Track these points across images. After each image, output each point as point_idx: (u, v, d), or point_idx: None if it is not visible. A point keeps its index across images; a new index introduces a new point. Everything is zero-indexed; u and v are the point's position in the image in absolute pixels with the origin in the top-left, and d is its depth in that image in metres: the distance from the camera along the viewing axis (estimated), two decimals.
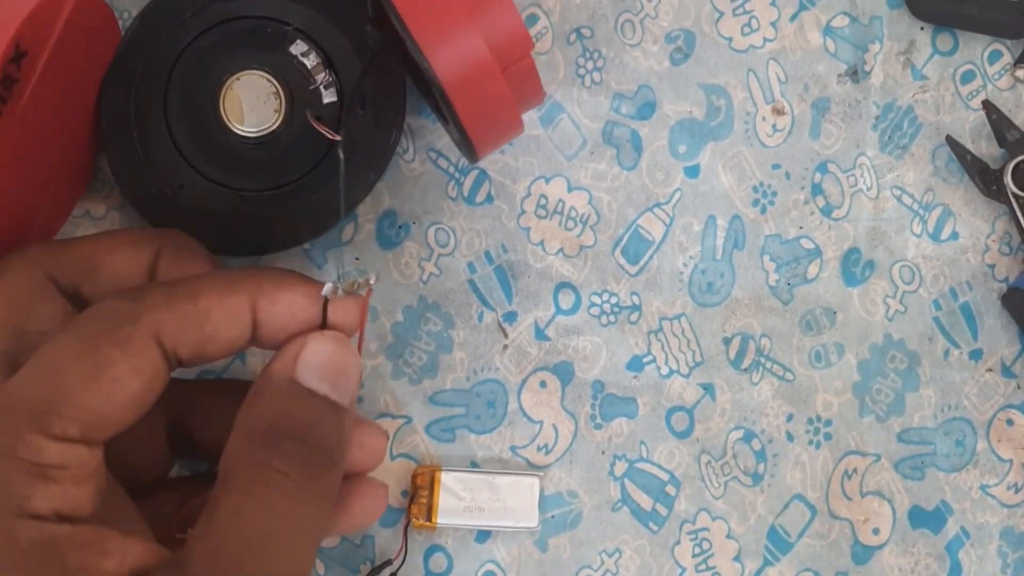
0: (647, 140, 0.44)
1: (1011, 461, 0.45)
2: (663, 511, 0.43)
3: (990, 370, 0.45)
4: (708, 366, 0.44)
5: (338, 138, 0.37)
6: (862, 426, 0.44)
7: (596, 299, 0.43)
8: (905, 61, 0.45)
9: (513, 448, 0.43)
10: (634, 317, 0.43)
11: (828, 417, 0.44)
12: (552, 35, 0.44)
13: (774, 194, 0.44)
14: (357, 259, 0.42)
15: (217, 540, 0.28)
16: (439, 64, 0.33)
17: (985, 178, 0.44)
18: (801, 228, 0.44)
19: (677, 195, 0.44)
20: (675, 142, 0.44)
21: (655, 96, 0.44)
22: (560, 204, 0.43)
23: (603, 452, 0.43)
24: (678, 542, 0.43)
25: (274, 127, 0.38)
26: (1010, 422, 0.45)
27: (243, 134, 0.38)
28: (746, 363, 0.44)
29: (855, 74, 0.45)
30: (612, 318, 0.43)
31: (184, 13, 0.39)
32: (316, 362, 0.31)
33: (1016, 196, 0.44)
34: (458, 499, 0.41)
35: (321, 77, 0.39)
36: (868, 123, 0.45)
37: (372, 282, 0.34)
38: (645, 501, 0.43)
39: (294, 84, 0.39)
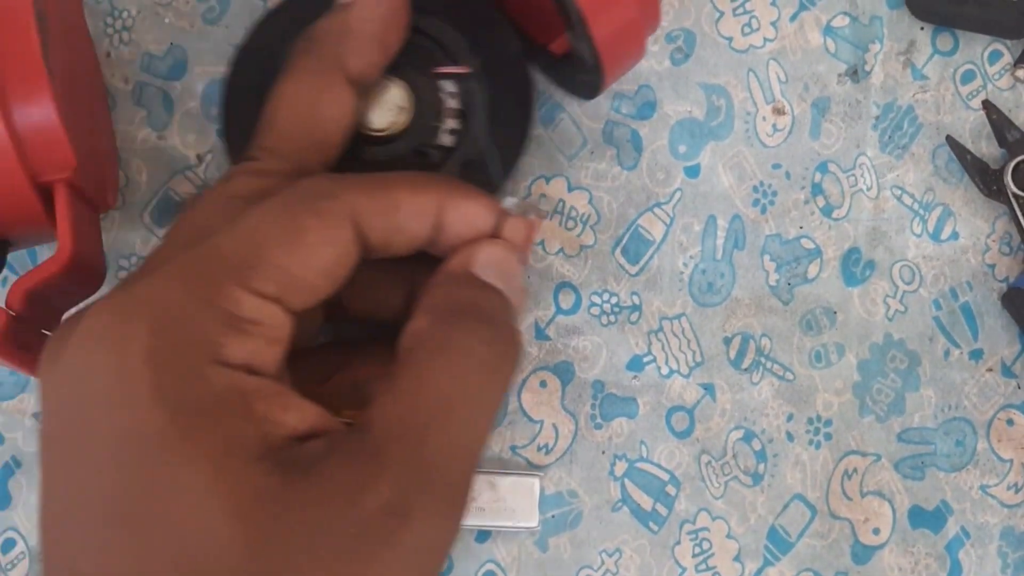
0: (647, 140, 0.44)
1: (1011, 461, 0.45)
2: (663, 511, 0.43)
3: (990, 370, 0.45)
4: (708, 366, 0.44)
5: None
6: (862, 426, 0.44)
7: (596, 299, 0.43)
8: (905, 61, 0.45)
9: (513, 448, 0.43)
10: (634, 317, 0.43)
11: (828, 417, 0.44)
12: None
13: (774, 194, 0.44)
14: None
15: (400, 407, 0.29)
16: None
17: (985, 178, 0.44)
18: (801, 228, 0.44)
19: (677, 195, 0.44)
20: (675, 142, 0.44)
21: (655, 96, 0.44)
22: (560, 204, 0.43)
23: (603, 452, 0.43)
24: (678, 542, 0.43)
25: (393, 132, 0.38)
26: (1010, 422, 0.45)
27: (367, 130, 0.38)
28: (746, 363, 0.44)
29: (855, 74, 0.45)
30: (612, 318, 0.43)
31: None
32: (491, 260, 0.33)
33: (1016, 196, 0.44)
34: None
35: (449, 123, 0.39)
36: (868, 123, 0.45)
37: (546, 210, 0.37)
38: (645, 501, 0.43)
39: (425, 108, 0.39)
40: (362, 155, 0.38)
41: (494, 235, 0.34)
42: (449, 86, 0.39)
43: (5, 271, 0.36)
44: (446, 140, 0.39)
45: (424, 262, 0.35)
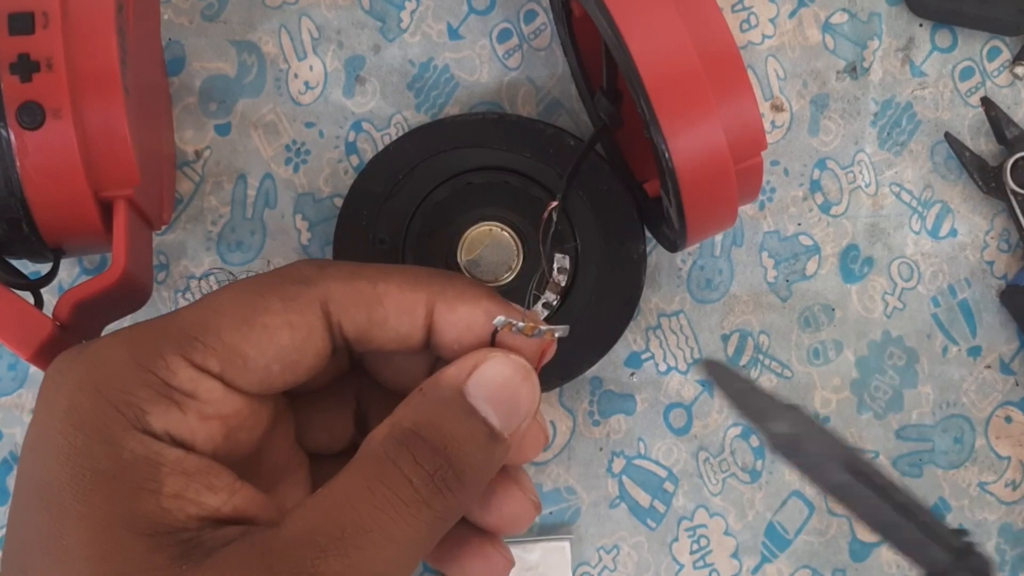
0: None
1: (1009, 458, 0.45)
2: (661, 508, 0.43)
3: (988, 367, 0.45)
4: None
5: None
6: (860, 423, 0.44)
7: None
8: (904, 58, 0.45)
9: None
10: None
11: (826, 414, 0.44)
12: (551, 31, 0.44)
13: (773, 190, 0.44)
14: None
15: (315, 516, 0.28)
16: (677, 151, 0.32)
17: (984, 175, 0.44)
18: (800, 225, 0.44)
19: None
20: None
21: None
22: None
23: (601, 449, 0.43)
24: (676, 539, 0.43)
25: (505, 282, 0.39)
26: (1008, 419, 0.45)
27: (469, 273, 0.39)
28: (744, 360, 0.44)
29: (854, 71, 0.45)
30: None
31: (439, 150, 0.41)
32: (490, 382, 0.30)
33: (1015, 193, 0.44)
34: None
35: (550, 295, 0.39)
36: (867, 120, 0.45)
37: (558, 334, 0.32)
38: (643, 498, 0.43)
39: (531, 272, 0.39)
40: None
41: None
42: (563, 261, 0.38)
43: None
44: (540, 312, 0.38)
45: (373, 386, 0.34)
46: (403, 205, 0.40)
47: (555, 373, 0.40)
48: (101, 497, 0.27)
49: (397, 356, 0.34)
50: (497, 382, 0.30)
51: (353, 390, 0.35)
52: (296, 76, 0.43)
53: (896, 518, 0.34)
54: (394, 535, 0.28)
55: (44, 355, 0.33)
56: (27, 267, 0.38)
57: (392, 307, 0.31)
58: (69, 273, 0.42)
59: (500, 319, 0.31)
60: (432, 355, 0.33)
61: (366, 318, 0.31)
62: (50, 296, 0.35)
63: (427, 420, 0.29)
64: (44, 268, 0.35)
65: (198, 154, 0.43)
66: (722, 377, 0.34)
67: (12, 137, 0.32)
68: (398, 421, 0.29)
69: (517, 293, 0.40)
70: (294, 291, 0.30)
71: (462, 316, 0.31)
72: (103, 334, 0.36)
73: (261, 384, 0.30)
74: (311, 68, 0.43)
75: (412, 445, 0.29)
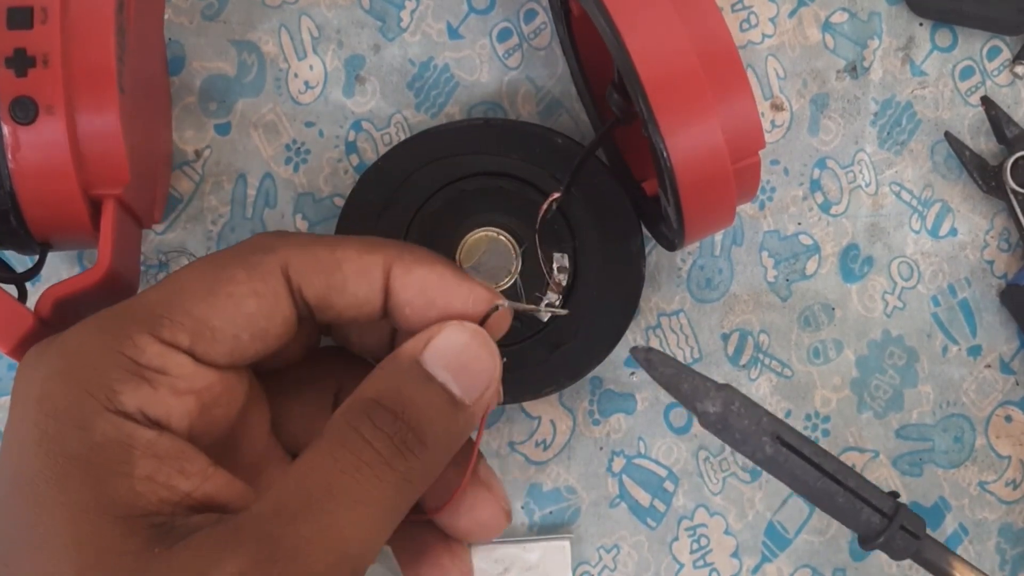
0: None
1: (1009, 457, 0.44)
2: (661, 507, 0.43)
3: (989, 366, 0.45)
4: (706, 362, 0.44)
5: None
6: (860, 422, 0.44)
7: None
8: (904, 57, 0.45)
9: (511, 444, 0.43)
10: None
11: (826, 413, 0.44)
12: (551, 30, 0.44)
13: (773, 190, 0.44)
14: None
15: (280, 492, 0.28)
16: (675, 149, 0.32)
17: (984, 174, 0.44)
18: (800, 224, 0.44)
19: None
20: None
21: None
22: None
23: (601, 448, 0.43)
24: (676, 538, 0.43)
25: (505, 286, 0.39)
26: (1008, 418, 0.45)
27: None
28: (744, 359, 0.44)
29: (854, 70, 0.45)
30: None
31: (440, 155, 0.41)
32: (445, 349, 0.30)
33: (1015, 192, 0.44)
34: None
35: (551, 296, 0.39)
36: (867, 119, 0.45)
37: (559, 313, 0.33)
38: (643, 497, 0.43)
39: (530, 276, 0.40)
40: None
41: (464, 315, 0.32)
42: (563, 261, 0.39)
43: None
44: (542, 313, 0.39)
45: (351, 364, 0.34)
46: (398, 217, 0.40)
47: (562, 373, 0.40)
48: (76, 483, 0.27)
49: (342, 296, 0.33)
50: (453, 349, 0.30)
51: (332, 383, 0.35)
52: (296, 76, 0.43)
53: (828, 485, 0.36)
54: (360, 497, 0.28)
55: (24, 349, 0.33)
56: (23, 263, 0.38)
57: (351, 271, 0.31)
58: (69, 271, 0.42)
59: (504, 303, 0.32)
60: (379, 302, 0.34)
61: (325, 283, 0.31)
62: (40, 289, 0.35)
63: (386, 389, 0.30)
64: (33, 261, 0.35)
65: (198, 154, 0.43)
66: (654, 362, 0.35)
67: (4, 131, 0.32)
68: (358, 394, 0.30)
69: (518, 296, 0.40)
70: (256, 260, 0.30)
71: (418, 277, 0.31)
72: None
73: (232, 355, 0.30)
74: (311, 68, 0.43)
75: (372, 412, 0.29)
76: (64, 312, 0.34)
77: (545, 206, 0.38)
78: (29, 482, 0.27)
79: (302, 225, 0.43)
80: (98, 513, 0.26)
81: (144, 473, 0.27)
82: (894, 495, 0.37)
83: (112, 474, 0.27)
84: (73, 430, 0.27)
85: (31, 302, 0.33)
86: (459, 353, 0.31)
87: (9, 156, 0.32)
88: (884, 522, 0.36)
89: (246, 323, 0.30)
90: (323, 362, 0.35)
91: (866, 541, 0.37)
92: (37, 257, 0.35)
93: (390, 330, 0.35)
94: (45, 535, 0.26)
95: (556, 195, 0.38)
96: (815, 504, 0.36)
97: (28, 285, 0.35)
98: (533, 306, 0.33)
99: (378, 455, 0.28)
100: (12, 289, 0.34)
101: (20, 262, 0.39)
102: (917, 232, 0.45)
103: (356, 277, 0.31)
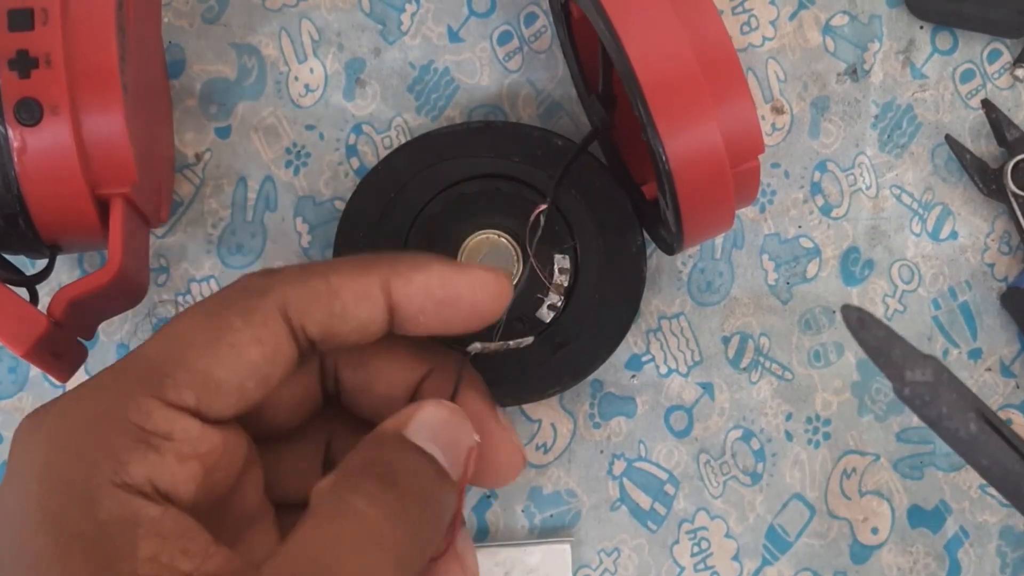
0: None
1: None
2: (662, 510, 0.43)
3: (989, 370, 0.45)
4: (707, 365, 0.44)
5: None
6: (861, 425, 0.44)
7: None
8: (904, 60, 0.45)
9: None
10: None
11: (827, 416, 0.44)
12: (551, 33, 0.44)
13: (773, 193, 0.44)
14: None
15: (279, 572, 0.27)
16: (674, 153, 0.32)
17: (984, 177, 0.44)
18: (800, 227, 0.44)
19: None
20: None
21: None
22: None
23: (602, 451, 0.43)
24: (677, 541, 0.43)
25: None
26: (1009, 421, 0.44)
27: None
28: (745, 362, 0.44)
29: (854, 73, 0.45)
30: None
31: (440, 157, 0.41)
32: (429, 423, 0.30)
33: (1015, 195, 0.44)
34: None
35: (553, 297, 0.39)
36: (867, 122, 0.45)
37: (523, 344, 0.34)
38: (644, 500, 0.43)
39: (533, 278, 0.39)
40: None
41: (454, 393, 0.32)
42: (563, 262, 0.39)
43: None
44: (545, 314, 0.39)
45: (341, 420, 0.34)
46: (398, 223, 0.40)
47: (567, 372, 0.40)
48: (78, 563, 0.26)
49: (377, 384, 0.33)
50: (436, 422, 0.30)
51: (324, 438, 0.34)
52: (296, 79, 0.43)
53: None
54: (362, 569, 0.27)
55: (38, 352, 0.33)
56: (25, 265, 0.38)
57: (349, 297, 0.30)
58: (70, 275, 0.42)
59: (476, 345, 0.33)
60: (410, 388, 0.33)
61: (326, 313, 0.30)
62: (49, 293, 0.35)
63: (375, 459, 0.29)
64: (42, 264, 0.36)
65: (198, 157, 0.43)
66: (867, 323, 0.33)
67: (10, 133, 0.32)
68: (347, 465, 0.29)
69: (520, 297, 0.39)
70: (251, 304, 0.29)
71: (419, 285, 0.31)
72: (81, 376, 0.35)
73: (239, 404, 0.29)
74: (311, 71, 0.43)
75: (364, 484, 0.28)
76: (77, 313, 0.34)
77: (532, 218, 0.38)
78: (31, 565, 0.26)
79: (303, 228, 0.43)
80: None
81: (148, 555, 0.26)
82: None
83: (116, 557, 0.26)
84: (77, 508, 0.26)
85: (41, 305, 0.33)
86: (442, 426, 0.30)
87: (16, 159, 0.32)
88: None
89: (250, 372, 0.29)
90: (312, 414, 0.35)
91: None
92: (47, 261, 0.35)
93: (406, 395, 0.34)
94: None
95: (543, 207, 0.38)
96: (1007, 492, 0.33)
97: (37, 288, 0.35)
98: (501, 342, 0.33)
99: (373, 525, 0.28)
100: (24, 292, 0.34)
101: (28, 266, 0.39)
102: (918, 235, 0.45)
103: (356, 302, 0.31)
